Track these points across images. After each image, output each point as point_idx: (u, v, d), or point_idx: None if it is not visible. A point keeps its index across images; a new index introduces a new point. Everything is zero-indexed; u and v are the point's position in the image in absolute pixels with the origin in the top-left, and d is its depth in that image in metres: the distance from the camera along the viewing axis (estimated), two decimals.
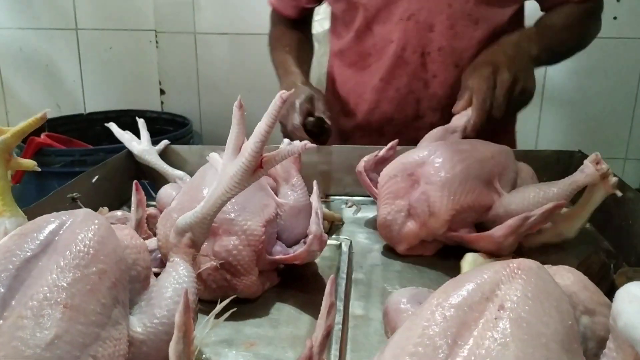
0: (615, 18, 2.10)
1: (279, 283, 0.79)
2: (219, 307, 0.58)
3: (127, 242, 0.58)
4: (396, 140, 0.98)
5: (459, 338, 0.44)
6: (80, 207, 0.89)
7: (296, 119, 1.07)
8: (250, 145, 0.57)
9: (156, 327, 0.54)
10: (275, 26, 1.38)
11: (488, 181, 0.86)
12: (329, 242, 0.89)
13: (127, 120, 2.38)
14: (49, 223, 0.53)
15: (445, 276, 0.81)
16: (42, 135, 1.92)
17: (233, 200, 0.74)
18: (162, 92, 2.39)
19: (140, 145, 1.06)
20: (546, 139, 2.28)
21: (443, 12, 1.11)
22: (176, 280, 0.57)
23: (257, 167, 0.58)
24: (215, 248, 0.72)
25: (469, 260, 0.78)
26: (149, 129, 2.29)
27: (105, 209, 0.86)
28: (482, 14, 1.12)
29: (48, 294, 0.47)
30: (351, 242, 0.91)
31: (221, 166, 0.59)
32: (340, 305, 0.73)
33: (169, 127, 2.22)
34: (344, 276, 0.80)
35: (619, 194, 0.85)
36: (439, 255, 0.88)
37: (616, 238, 0.91)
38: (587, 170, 0.84)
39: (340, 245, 0.89)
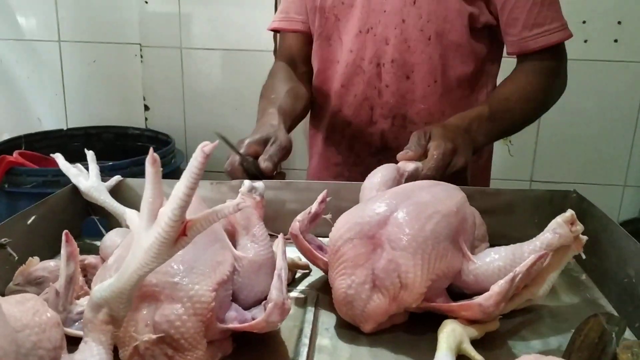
0: (616, 41, 2.02)
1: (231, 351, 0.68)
2: None
3: (28, 320, 0.47)
4: (325, 191, 0.85)
5: None
6: (10, 255, 0.79)
7: (234, 157, 1.00)
8: (167, 213, 0.46)
9: None
10: (270, 76, 1.32)
11: (455, 241, 0.73)
12: (293, 295, 0.79)
13: (108, 136, 2.33)
14: None
15: (419, 341, 0.70)
16: (15, 154, 1.83)
17: (179, 259, 0.63)
18: (146, 108, 2.30)
19: (88, 181, 0.94)
20: (543, 163, 2.19)
21: (397, 27, 1.17)
22: None
23: (180, 235, 0.47)
24: (155, 318, 0.60)
25: (447, 329, 0.66)
26: (132, 146, 2.22)
27: (36, 259, 0.75)
28: (434, 30, 1.16)
29: None
30: (318, 296, 0.79)
31: (135, 234, 0.48)
32: None
33: (152, 145, 2.13)
34: (307, 342, 0.69)
35: (583, 256, 0.76)
36: (413, 316, 0.75)
37: (618, 296, 0.80)
38: (560, 231, 0.73)
39: (305, 300, 0.78)
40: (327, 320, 0.76)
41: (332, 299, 0.76)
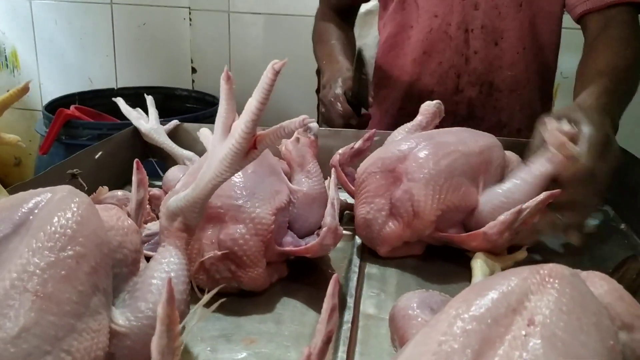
0: None
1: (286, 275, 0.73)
2: (206, 297, 0.53)
3: (113, 223, 0.52)
4: (373, 131, 0.90)
5: (481, 357, 0.37)
6: (81, 185, 0.85)
7: (337, 89, 1.09)
8: (240, 125, 0.51)
9: (140, 321, 0.49)
10: (320, 20, 1.36)
11: (474, 179, 0.79)
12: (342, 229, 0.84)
13: (157, 97, 2.35)
14: (24, 201, 0.48)
15: (461, 272, 0.74)
16: (71, 107, 1.91)
17: (242, 185, 0.69)
18: (193, 70, 2.35)
19: (148, 123, 1.01)
20: None
21: None
22: (164, 270, 0.52)
23: (250, 148, 0.51)
24: (220, 236, 0.66)
25: (480, 259, 0.71)
26: (179, 107, 2.28)
27: (105, 188, 0.81)
28: None
29: (16, 281, 0.42)
30: None
31: (210, 147, 0.53)
32: (350, 302, 0.67)
33: (198, 106, 2.20)
34: (357, 270, 0.74)
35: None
36: (453, 250, 0.79)
37: None
38: (555, 159, 0.75)
39: (353, 235, 0.83)
40: (374, 253, 0.80)
41: None
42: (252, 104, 0.51)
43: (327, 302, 0.45)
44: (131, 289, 0.52)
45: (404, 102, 1.26)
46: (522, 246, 0.78)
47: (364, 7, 2.07)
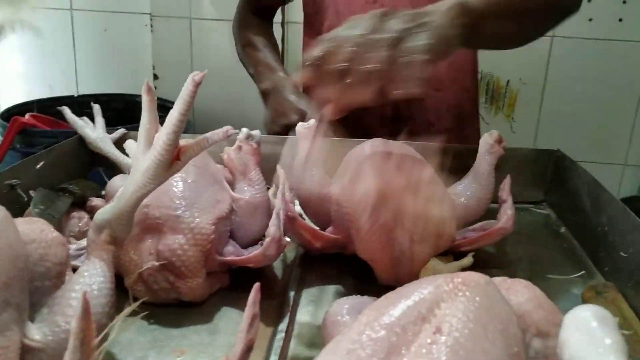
0: (620, 20, 2.03)
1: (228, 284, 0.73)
2: (127, 311, 0.52)
3: (35, 235, 0.52)
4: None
5: None
6: (20, 196, 0.84)
7: (293, 118, 1.08)
8: (162, 138, 0.51)
9: (58, 336, 0.48)
10: (243, 25, 1.40)
11: None
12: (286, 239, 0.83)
13: (117, 105, 2.36)
14: None
15: None
16: (27, 116, 1.88)
17: (181, 195, 0.68)
18: (155, 77, 2.33)
19: (95, 132, 0.99)
20: (545, 140, 2.21)
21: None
22: (86, 282, 0.51)
23: (174, 160, 0.51)
24: (158, 247, 0.65)
25: (430, 265, 0.71)
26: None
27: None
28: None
29: None
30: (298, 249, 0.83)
31: (133, 159, 0.53)
32: (286, 310, 0.67)
33: (160, 113, 2.17)
34: (297, 278, 0.74)
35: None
36: None
37: (592, 244, 0.84)
38: (494, 150, 0.90)
39: (296, 245, 0.82)
40: (317, 259, 0.80)
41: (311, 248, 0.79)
42: (173, 115, 0.50)
43: (248, 311, 0.45)
44: (51, 303, 0.51)
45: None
46: (468, 253, 0.78)
47: None
